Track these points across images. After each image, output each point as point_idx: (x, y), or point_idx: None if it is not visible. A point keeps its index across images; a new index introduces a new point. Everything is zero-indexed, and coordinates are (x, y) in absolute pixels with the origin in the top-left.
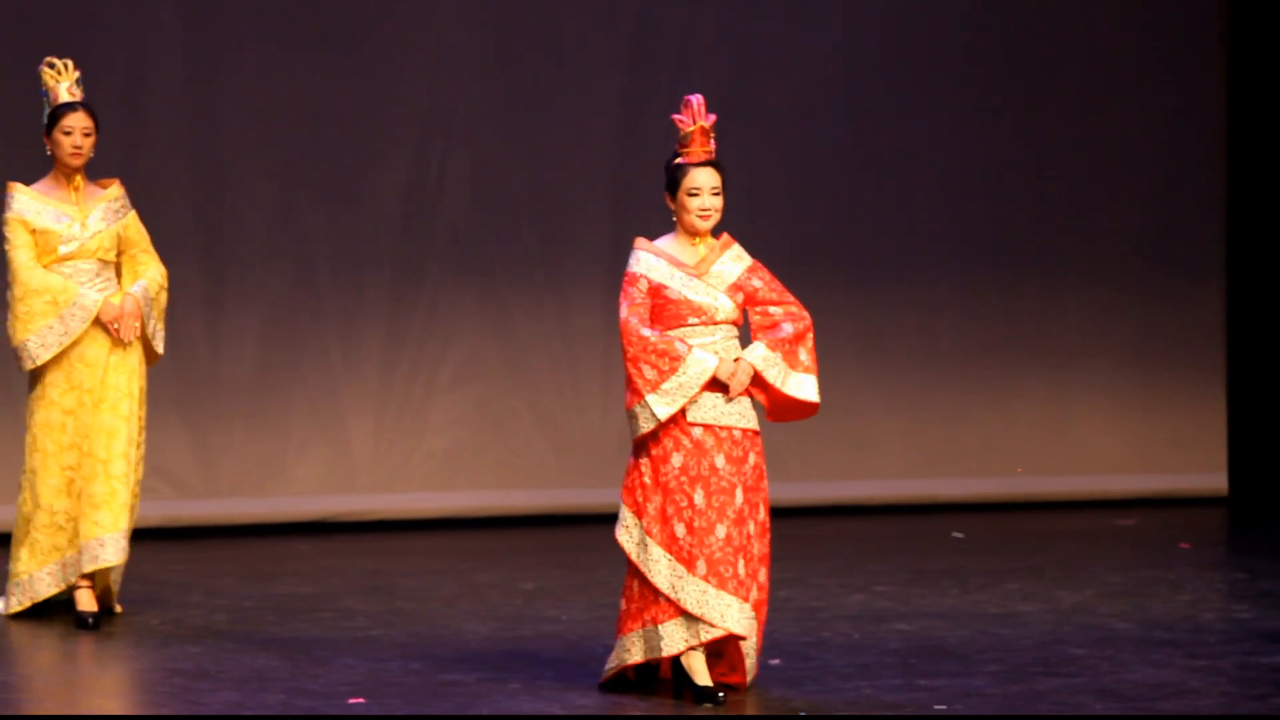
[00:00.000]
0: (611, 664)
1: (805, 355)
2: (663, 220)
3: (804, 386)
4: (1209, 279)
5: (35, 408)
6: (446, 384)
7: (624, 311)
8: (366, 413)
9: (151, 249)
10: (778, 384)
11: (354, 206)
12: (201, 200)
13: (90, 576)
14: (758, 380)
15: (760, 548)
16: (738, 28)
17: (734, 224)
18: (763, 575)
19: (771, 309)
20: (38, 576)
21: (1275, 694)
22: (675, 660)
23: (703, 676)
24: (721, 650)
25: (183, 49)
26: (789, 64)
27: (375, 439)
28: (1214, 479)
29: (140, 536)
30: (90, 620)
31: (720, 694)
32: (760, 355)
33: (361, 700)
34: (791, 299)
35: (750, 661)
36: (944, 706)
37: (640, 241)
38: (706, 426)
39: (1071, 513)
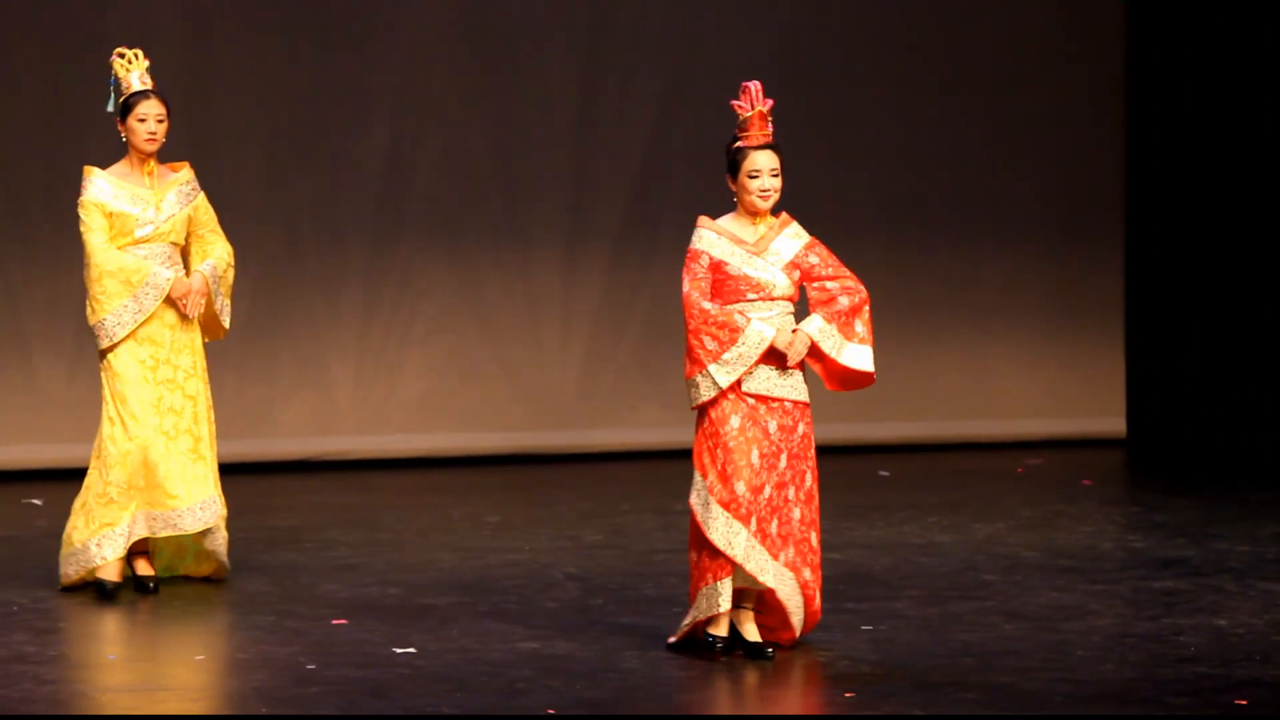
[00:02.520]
0: (685, 622)
1: (861, 327)
2: (620, 189)
3: (859, 357)
4: (1109, 242)
5: (105, 379)
6: (420, 336)
7: (686, 286)
8: (347, 362)
9: (219, 229)
10: (833, 354)
11: (336, 176)
12: (199, 171)
13: (146, 549)
14: (814, 351)
15: (809, 513)
16: (685, 12)
17: (688, 191)
18: (814, 539)
19: (828, 284)
20: (89, 545)
21: (1165, 614)
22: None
23: (752, 634)
24: (765, 607)
25: (180, 33)
26: (734, 40)
27: (355, 385)
28: (1114, 423)
29: None
30: (151, 585)
31: (769, 650)
32: (817, 327)
33: (344, 621)
34: (848, 273)
35: (797, 619)
36: (870, 626)
37: (703, 220)
38: (759, 397)
39: (986, 453)
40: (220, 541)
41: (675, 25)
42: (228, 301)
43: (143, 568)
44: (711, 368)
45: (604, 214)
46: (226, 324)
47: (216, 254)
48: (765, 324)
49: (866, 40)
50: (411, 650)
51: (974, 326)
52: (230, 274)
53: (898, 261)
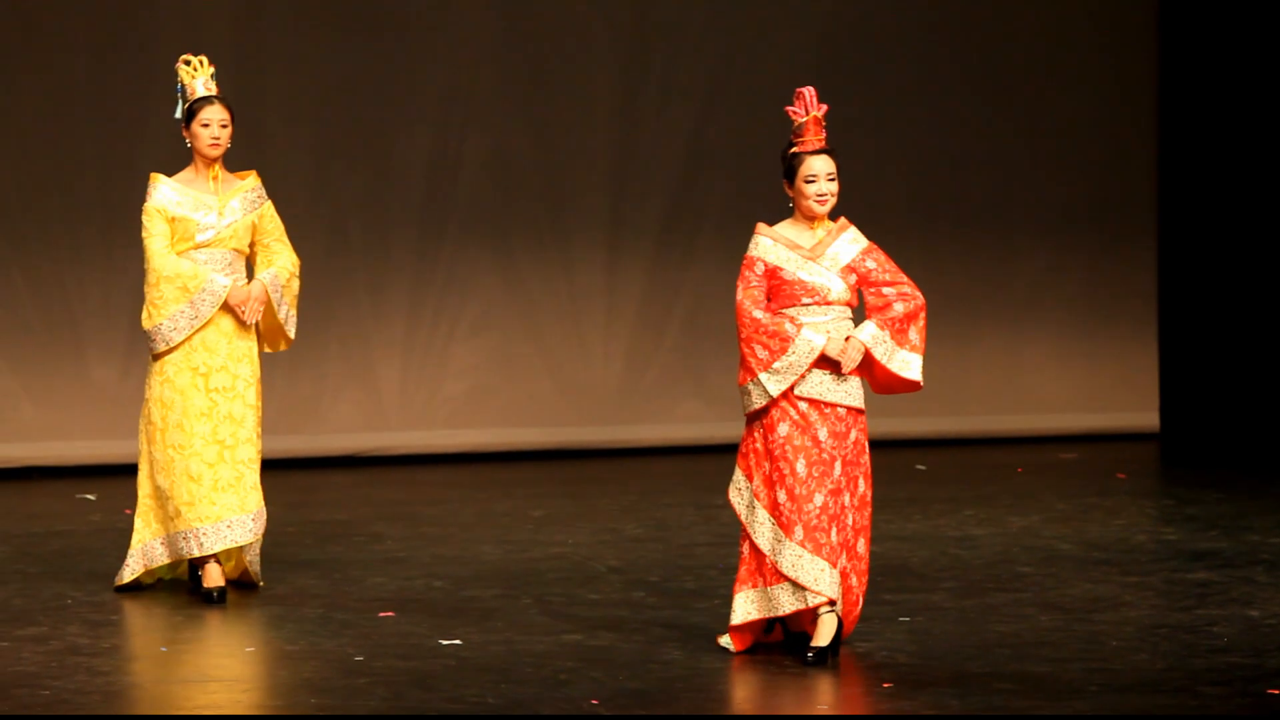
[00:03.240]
0: (731, 622)
1: (915, 335)
2: (661, 189)
3: (909, 365)
4: (1143, 240)
5: (151, 382)
6: (465, 333)
7: (739, 294)
8: (394, 359)
9: (285, 238)
10: (883, 361)
11: (382, 176)
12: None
13: (216, 556)
14: (867, 358)
15: (859, 519)
16: (724, 15)
17: (727, 190)
18: (861, 545)
19: (885, 290)
20: (151, 545)
21: (1198, 605)
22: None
23: (823, 638)
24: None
25: (230, 36)
26: (770, 45)
27: (401, 382)
28: (1147, 417)
29: None
30: (215, 595)
31: (833, 655)
32: (870, 334)
33: (391, 614)
34: (905, 280)
35: (832, 625)
36: (907, 618)
37: (760, 227)
38: (812, 401)
39: (1021, 447)
40: (257, 552)
41: (715, 27)
42: (293, 311)
43: (212, 577)
44: (762, 376)
45: (645, 213)
46: (291, 334)
47: (280, 263)
48: (816, 333)
49: (903, 42)
50: (457, 642)
51: (1009, 323)
52: (295, 284)
53: (933, 259)
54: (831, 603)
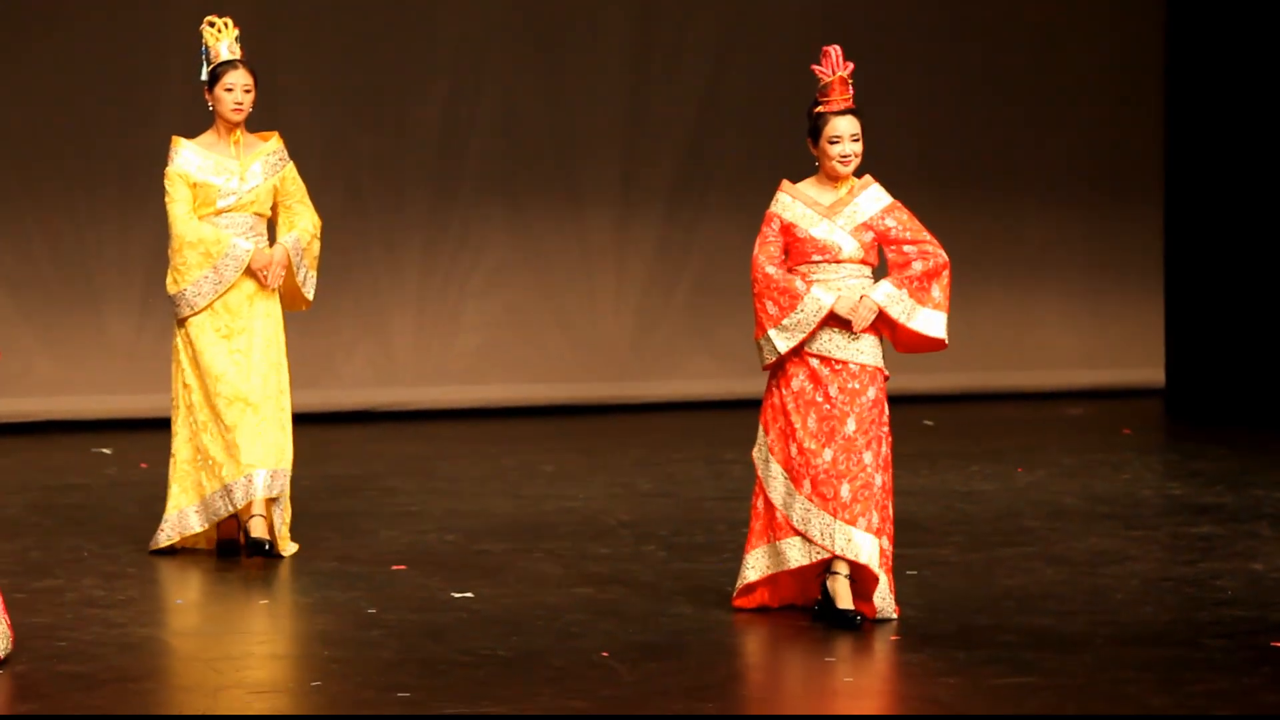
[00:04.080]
0: (739, 582)
1: (938, 292)
2: (672, 148)
3: (931, 323)
4: (1150, 198)
5: (178, 348)
6: (478, 290)
7: (756, 249)
8: (407, 315)
9: (307, 200)
10: (902, 320)
11: (396, 135)
12: (264, 131)
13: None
14: (883, 317)
15: (884, 479)
16: None
17: (738, 149)
18: (889, 509)
19: (905, 247)
20: (186, 512)
21: (1203, 559)
22: (823, 584)
23: (844, 600)
24: (853, 576)
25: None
26: (780, 5)
27: (415, 338)
28: (1153, 373)
29: None
30: (267, 546)
31: (858, 618)
32: (885, 293)
33: (404, 567)
34: (927, 238)
35: (879, 594)
36: (915, 571)
37: (784, 183)
38: (823, 359)
39: (1028, 403)
40: (280, 511)
41: None
42: (313, 273)
43: (258, 529)
44: (771, 332)
45: (656, 171)
46: (309, 295)
47: (301, 225)
48: (825, 291)
49: (912, 3)
50: (469, 595)
51: (1017, 280)
52: (316, 245)
53: (942, 219)
54: (837, 559)
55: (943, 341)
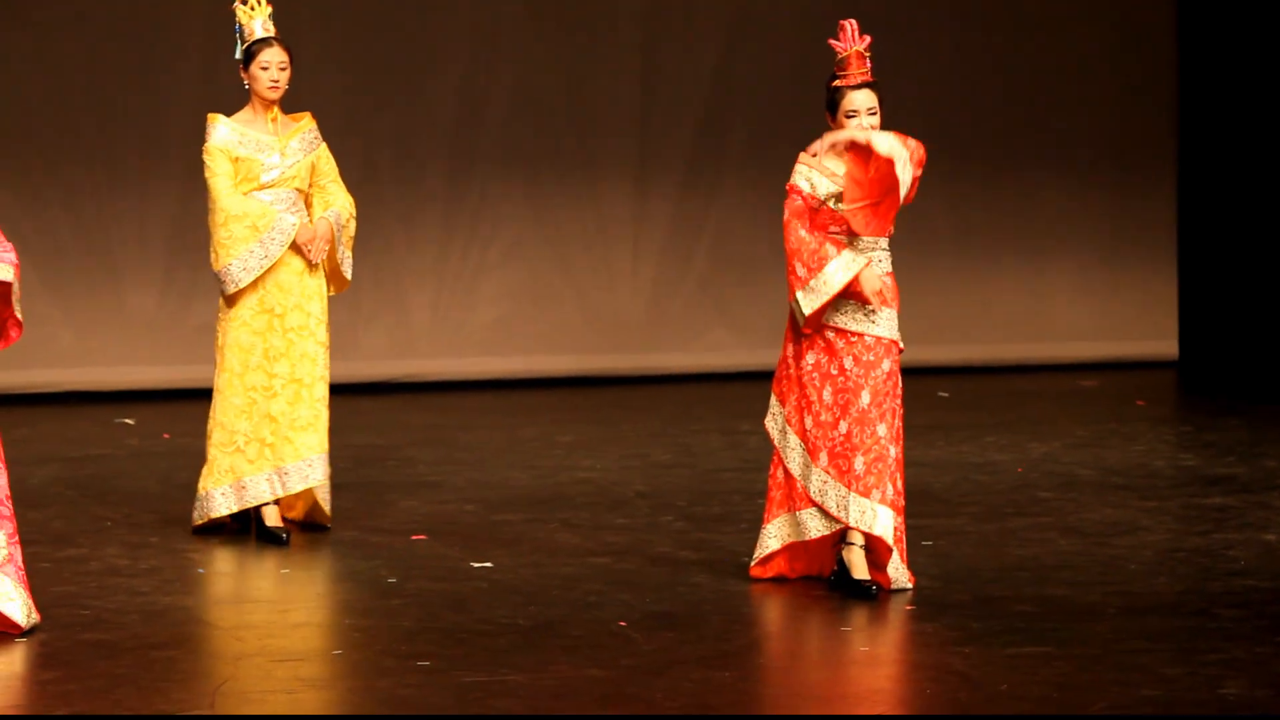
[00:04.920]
0: (757, 552)
1: None
2: (687, 122)
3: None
4: (1163, 172)
5: (225, 327)
6: (495, 263)
7: (787, 214)
8: (425, 288)
9: (340, 180)
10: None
11: (413, 109)
12: (282, 106)
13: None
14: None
15: (898, 451)
16: None
17: (752, 123)
18: (899, 480)
19: None
20: (212, 494)
21: (1215, 530)
22: (838, 554)
23: (859, 570)
24: (868, 546)
25: None
26: None
27: (433, 311)
28: (1166, 345)
29: None
30: (284, 536)
31: (874, 588)
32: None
33: (423, 536)
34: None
35: (893, 565)
36: (930, 542)
37: (802, 156)
38: (839, 331)
39: (1042, 375)
40: (327, 492)
41: None
42: (349, 253)
43: (272, 517)
44: (799, 294)
45: (672, 145)
46: (348, 275)
47: (339, 204)
48: (855, 257)
49: None
50: (488, 565)
51: (1031, 253)
52: (352, 225)
53: (957, 192)
54: (853, 530)
55: None
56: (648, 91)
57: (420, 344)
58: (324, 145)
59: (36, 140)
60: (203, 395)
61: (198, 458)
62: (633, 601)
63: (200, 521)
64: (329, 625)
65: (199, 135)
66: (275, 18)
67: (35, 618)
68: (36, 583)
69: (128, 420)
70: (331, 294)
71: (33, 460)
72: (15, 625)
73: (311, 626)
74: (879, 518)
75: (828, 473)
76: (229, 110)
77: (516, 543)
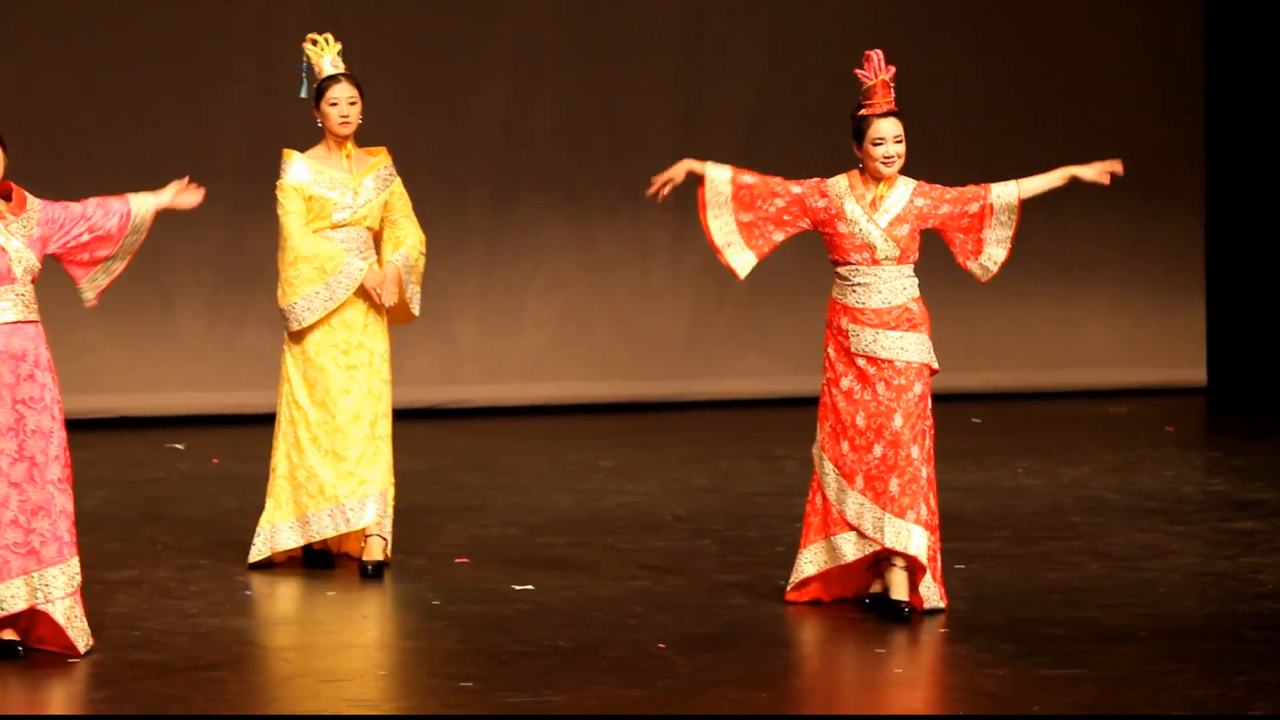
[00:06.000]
0: (793, 578)
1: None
2: (724, 150)
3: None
4: (1191, 200)
5: (290, 362)
6: (538, 290)
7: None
8: (470, 314)
9: (412, 215)
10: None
11: (456, 137)
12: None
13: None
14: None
15: (929, 471)
16: None
17: (788, 150)
18: (932, 500)
19: (942, 209)
20: (279, 528)
21: (1244, 554)
22: (879, 575)
23: (899, 591)
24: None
25: (309, 10)
26: (828, 15)
27: (477, 337)
28: (1194, 372)
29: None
30: (370, 569)
31: (907, 609)
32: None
33: (467, 560)
34: (964, 191)
35: (925, 584)
36: (963, 565)
37: (832, 179)
38: (870, 358)
39: (1072, 401)
40: (389, 526)
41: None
42: (419, 289)
43: (375, 550)
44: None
45: None
46: (416, 311)
47: (409, 243)
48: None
49: (954, 9)
50: (530, 587)
51: (1061, 280)
52: (422, 262)
53: None
54: (893, 552)
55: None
56: (687, 119)
57: (465, 370)
58: (398, 180)
59: (89, 167)
60: (251, 420)
61: (246, 482)
62: (671, 623)
63: (262, 556)
64: (374, 646)
65: (248, 163)
66: (300, 40)
67: (90, 641)
68: (89, 604)
69: (178, 445)
70: (397, 325)
71: (85, 484)
72: (75, 650)
73: (357, 648)
74: (913, 537)
75: (864, 495)
76: (301, 145)
77: (558, 565)
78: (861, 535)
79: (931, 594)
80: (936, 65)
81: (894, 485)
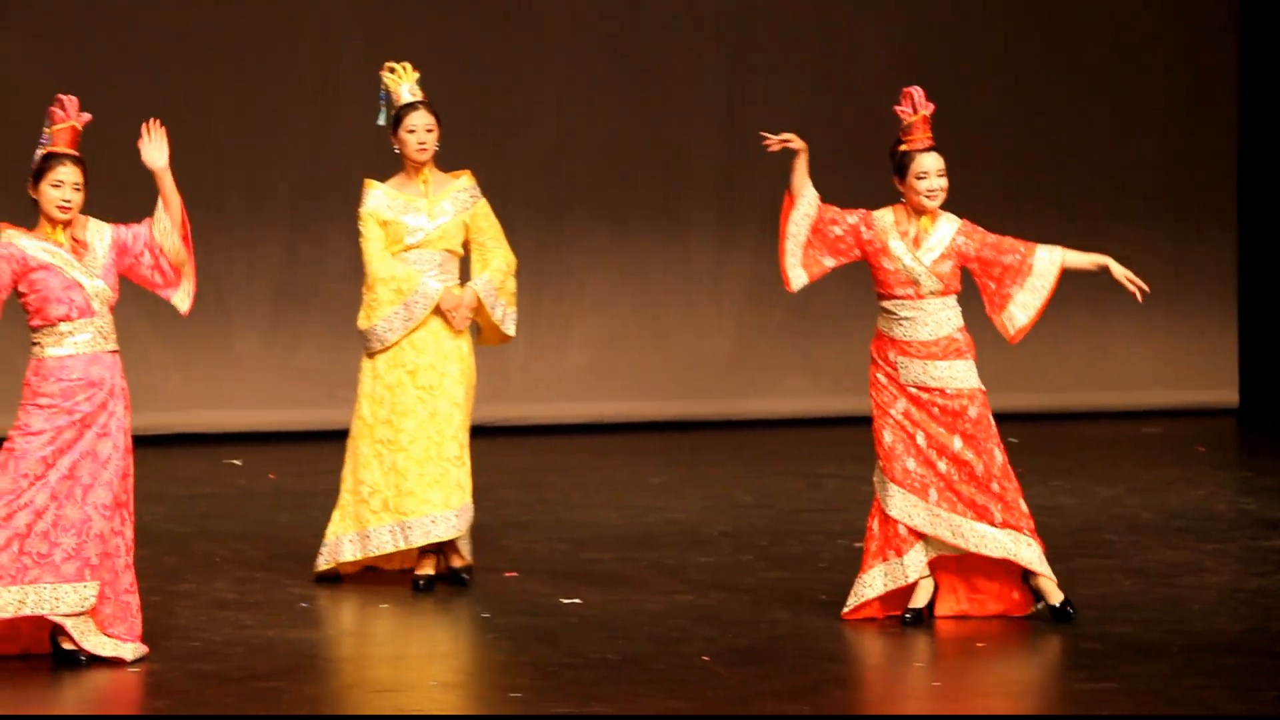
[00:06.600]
0: (852, 600)
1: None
2: (767, 176)
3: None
4: (1223, 224)
5: (363, 378)
6: (585, 311)
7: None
8: (519, 335)
9: (500, 237)
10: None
11: (506, 162)
12: (378, 159)
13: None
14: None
15: (1008, 484)
16: (825, 13)
17: (829, 177)
18: (1023, 505)
19: (986, 253)
20: (341, 540)
21: (1275, 571)
22: (1032, 588)
23: (1054, 596)
24: (975, 579)
25: (364, 28)
26: (870, 38)
27: (526, 356)
28: (1226, 393)
29: (335, 437)
30: (421, 583)
31: (1071, 609)
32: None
33: (516, 574)
34: (1006, 242)
35: (1039, 567)
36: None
37: (878, 211)
38: (920, 386)
39: (1106, 422)
40: (467, 549)
41: (817, 22)
42: (511, 309)
43: (424, 566)
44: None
45: (753, 198)
46: (509, 331)
47: (494, 265)
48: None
49: (991, 38)
50: (577, 600)
51: (1096, 303)
52: (510, 283)
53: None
54: (969, 571)
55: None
56: (730, 147)
57: (513, 389)
58: (482, 202)
59: (149, 191)
60: (306, 437)
61: (301, 496)
62: (716, 637)
63: (326, 567)
64: (426, 658)
65: (305, 186)
66: (363, 77)
67: (143, 649)
68: (149, 615)
69: (235, 461)
70: (492, 345)
71: (145, 499)
72: (122, 661)
73: (409, 659)
74: (998, 540)
75: (939, 506)
76: (358, 169)
77: (605, 580)
78: (929, 546)
79: (1049, 587)
80: (973, 96)
81: (966, 493)
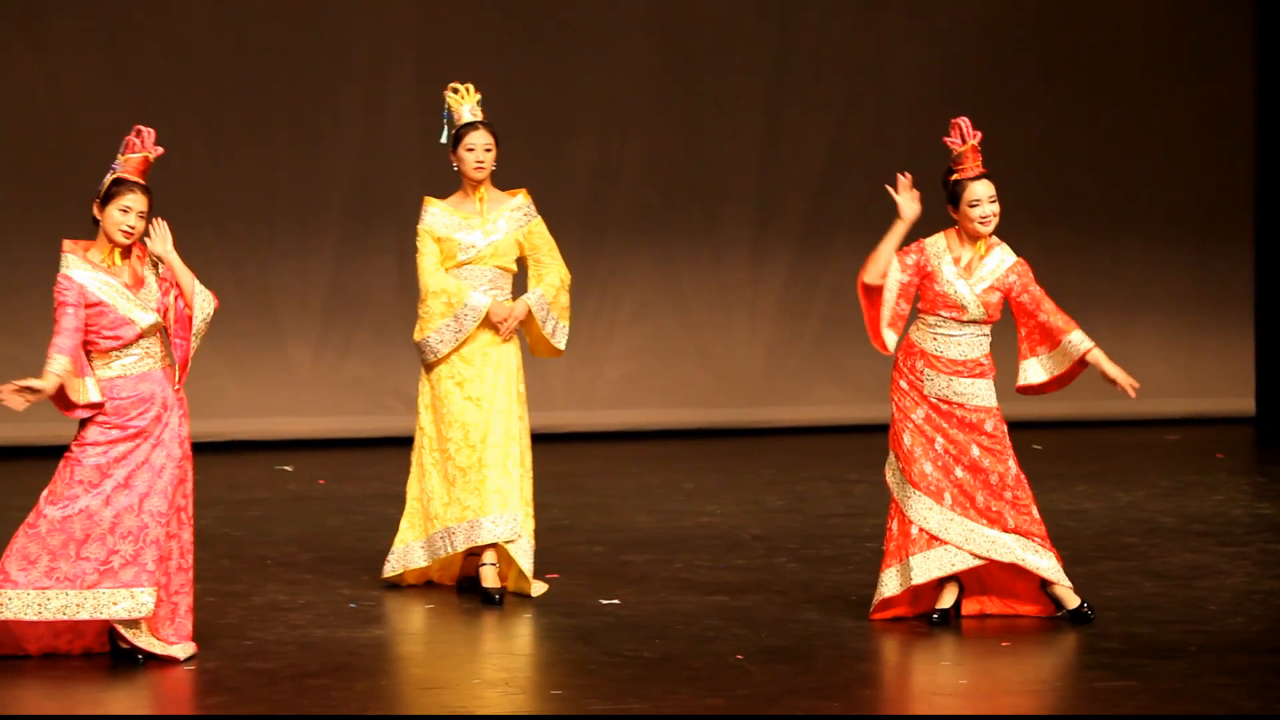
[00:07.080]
0: (877, 598)
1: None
2: (802, 192)
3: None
4: (1242, 239)
5: (421, 389)
6: (625, 322)
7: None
8: None
9: (555, 253)
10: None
11: (548, 178)
12: (427, 175)
13: (479, 553)
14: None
15: (1022, 494)
16: (859, 33)
17: (863, 193)
18: (1036, 513)
19: (1026, 302)
20: (412, 546)
21: None
22: (1052, 595)
23: (1071, 601)
24: (991, 584)
25: (414, 49)
26: (903, 68)
27: (567, 366)
28: (1244, 402)
29: (383, 444)
30: (496, 597)
31: (1088, 612)
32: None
33: (556, 576)
34: (1047, 306)
35: (1054, 574)
36: None
37: (932, 238)
38: (941, 399)
39: (1128, 429)
40: (523, 553)
41: (851, 43)
42: (564, 323)
43: (489, 578)
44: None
45: (788, 214)
46: (560, 345)
47: (548, 280)
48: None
49: (1019, 55)
50: (615, 601)
51: (1118, 314)
52: (564, 297)
53: (1048, 255)
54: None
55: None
56: (766, 164)
57: (556, 397)
58: (537, 220)
59: (204, 206)
60: (355, 444)
61: (350, 502)
62: (749, 636)
63: (394, 574)
64: (468, 656)
65: (356, 200)
66: (409, 94)
67: (192, 648)
68: (203, 616)
69: (287, 467)
70: (543, 357)
71: (200, 503)
72: (175, 660)
73: (452, 657)
74: (1009, 546)
75: (953, 510)
76: (406, 186)
77: (641, 581)
78: (948, 550)
79: (1065, 594)
80: (1003, 116)
81: (980, 501)
